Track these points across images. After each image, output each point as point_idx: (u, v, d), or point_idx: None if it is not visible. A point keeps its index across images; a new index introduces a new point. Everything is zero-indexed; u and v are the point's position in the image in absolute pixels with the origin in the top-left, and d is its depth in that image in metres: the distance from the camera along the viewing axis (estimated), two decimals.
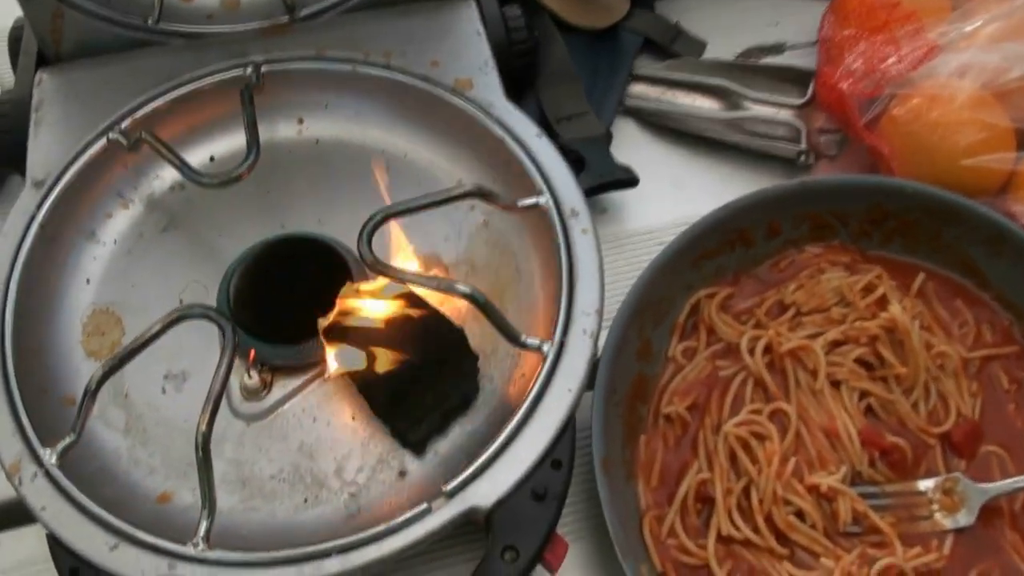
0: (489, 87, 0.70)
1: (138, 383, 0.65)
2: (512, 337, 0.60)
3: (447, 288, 0.59)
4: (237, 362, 0.64)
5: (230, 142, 0.72)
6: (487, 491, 0.56)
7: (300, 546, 0.55)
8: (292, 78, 0.72)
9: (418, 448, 0.62)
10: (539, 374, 0.59)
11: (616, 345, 0.64)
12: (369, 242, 0.59)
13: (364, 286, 0.63)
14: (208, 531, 0.56)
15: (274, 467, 0.62)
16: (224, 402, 0.63)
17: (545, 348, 0.60)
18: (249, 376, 0.64)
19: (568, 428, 0.58)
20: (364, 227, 0.59)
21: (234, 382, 0.64)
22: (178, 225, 0.70)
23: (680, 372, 0.68)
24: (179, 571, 0.55)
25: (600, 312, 0.62)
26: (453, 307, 0.64)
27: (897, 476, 0.65)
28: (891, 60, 0.69)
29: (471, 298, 0.58)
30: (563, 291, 0.62)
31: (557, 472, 0.57)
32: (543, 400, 0.59)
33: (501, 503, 0.56)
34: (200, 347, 0.63)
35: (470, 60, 0.71)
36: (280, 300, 0.65)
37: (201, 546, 0.55)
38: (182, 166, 0.65)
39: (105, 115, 0.70)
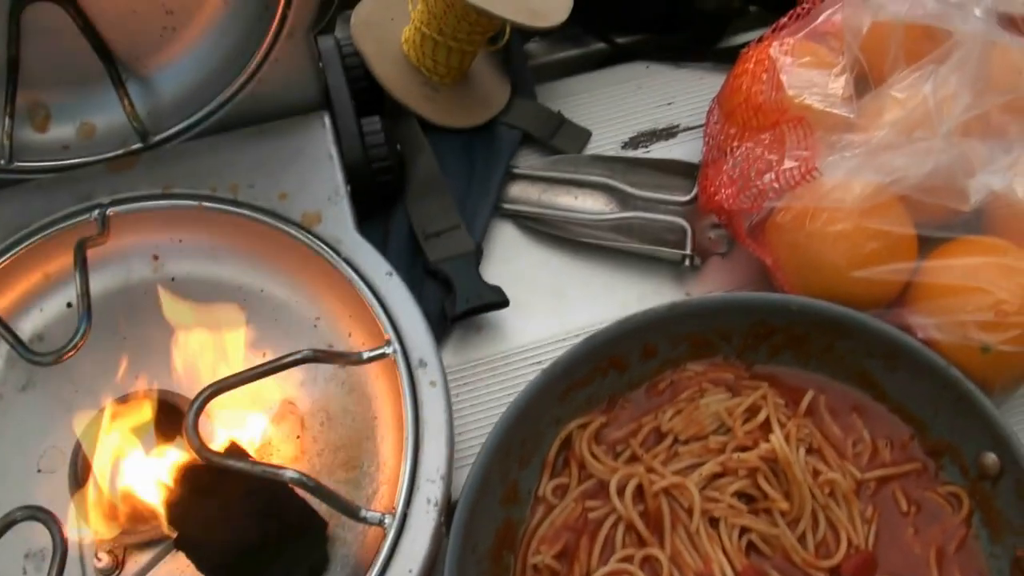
0: (338, 220, 0.67)
1: (1, 563, 0.63)
2: (350, 513, 0.57)
3: (274, 476, 0.56)
4: (89, 540, 0.63)
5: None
6: None
7: None
8: (140, 217, 0.69)
9: None
10: (379, 554, 0.56)
11: (473, 497, 0.60)
12: (195, 426, 0.56)
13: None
14: None
15: None
16: None
17: (386, 522, 0.57)
18: (98, 558, 0.62)
19: None
20: (189, 409, 0.57)
21: (89, 561, 0.62)
22: (37, 383, 0.67)
23: (549, 515, 0.64)
24: None
25: (447, 478, 0.59)
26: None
27: None
28: (768, 177, 0.63)
29: (300, 483, 0.55)
30: (408, 454, 0.59)
31: None
32: None
33: None
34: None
35: (320, 189, 0.68)
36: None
37: None
38: (14, 343, 0.62)
39: None
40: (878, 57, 0.64)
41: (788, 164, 0.62)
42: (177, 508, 0.59)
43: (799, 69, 0.65)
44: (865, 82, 0.67)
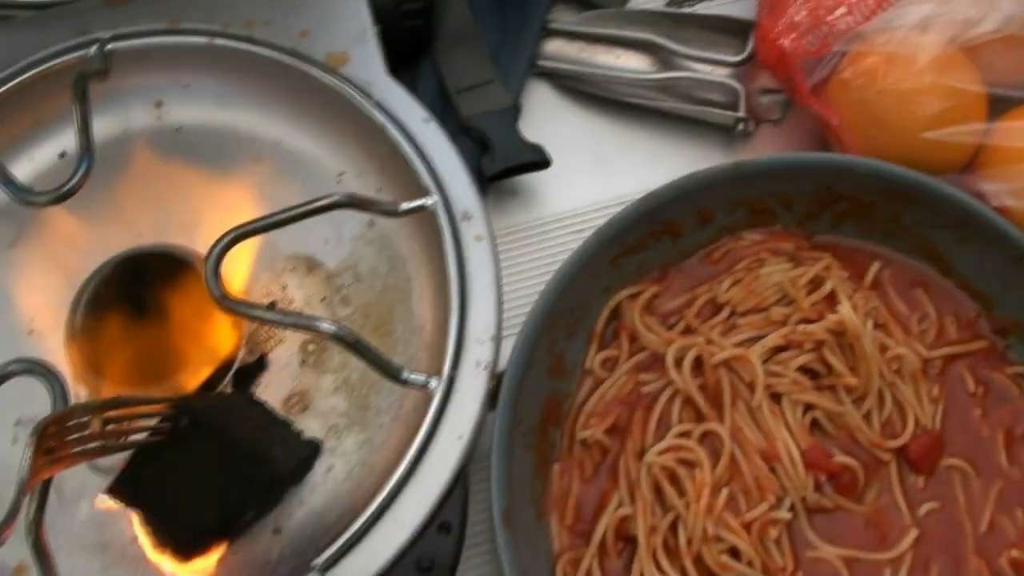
0: (368, 61, 0.60)
1: None
2: (392, 375, 0.52)
3: (310, 327, 0.50)
4: None
5: None
6: (363, 566, 0.49)
7: None
8: (142, 55, 0.62)
9: None
10: (425, 418, 0.51)
11: (521, 367, 0.55)
12: (216, 272, 0.50)
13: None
14: None
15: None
16: None
17: (432, 385, 0.52)
18: None
19: (458, 484, 0.50)
20: (209, 254, 0.50)
21: None
22: (27, 239, 0.60)
23: (598, 388, 0.59)
24: None
25: (497, 338, 0.53)
26: None
27: (846, 499, 0.57)
28: (840, 11, 0.58)
29: (338, 339, 0.49)
30: (453, 314, 0.53)
31: (446, 538, 0.50)
32: (429, 450, 0.51)
33: None
34: None
35: (345, 28, 0.61)
36: (130, 331, 0.56)
37: None
38: (5, 183, 0.55)
39: None
40: None
41: None
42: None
43: None
44: None
